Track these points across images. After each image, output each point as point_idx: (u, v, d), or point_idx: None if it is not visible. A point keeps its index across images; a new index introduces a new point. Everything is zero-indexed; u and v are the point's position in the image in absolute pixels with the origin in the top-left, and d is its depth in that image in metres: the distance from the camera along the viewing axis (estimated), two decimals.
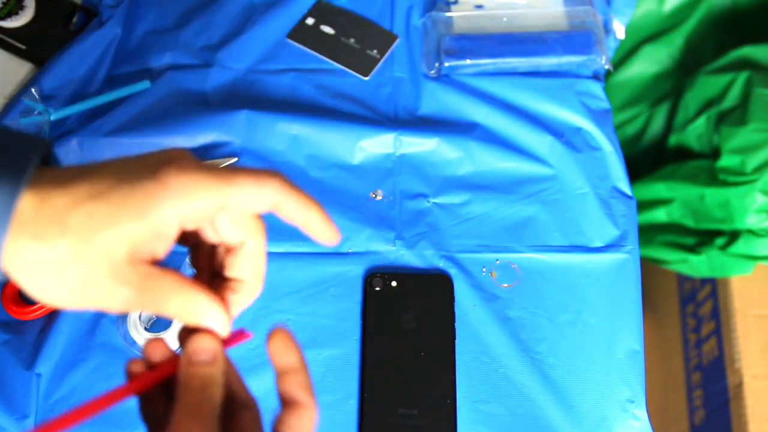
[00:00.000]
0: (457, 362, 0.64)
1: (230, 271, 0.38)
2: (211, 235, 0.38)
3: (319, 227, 0.38)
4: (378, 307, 0.66)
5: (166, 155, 0.36)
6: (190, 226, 0.36)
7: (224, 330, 0.36)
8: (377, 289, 0.66)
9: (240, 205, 0.36)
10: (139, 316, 0.63)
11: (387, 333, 0.64)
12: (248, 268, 0.38)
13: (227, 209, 0.36)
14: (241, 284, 0.38)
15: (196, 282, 0.36)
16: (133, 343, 0.62)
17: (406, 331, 0.61)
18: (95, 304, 0.35)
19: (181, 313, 0.36)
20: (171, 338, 0.62)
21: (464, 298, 0.67)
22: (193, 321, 0.36)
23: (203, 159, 0.73)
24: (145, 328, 0.63)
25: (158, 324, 0.64)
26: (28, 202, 0.33)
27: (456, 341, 0.65)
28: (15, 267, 0.34)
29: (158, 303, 0.35)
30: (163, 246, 0.35)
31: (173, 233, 0.35)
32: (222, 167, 0.36)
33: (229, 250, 0.38)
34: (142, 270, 0.35)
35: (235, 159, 0.73)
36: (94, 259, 0.34)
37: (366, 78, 0.79)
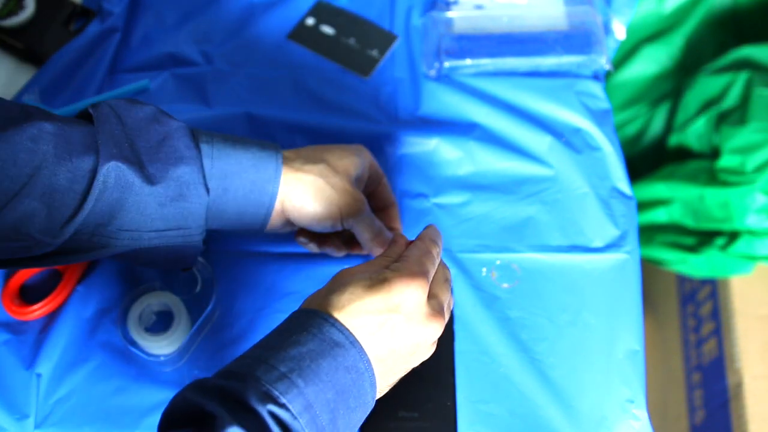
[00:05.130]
0: (456, 362, 0.64)
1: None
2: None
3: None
4: None
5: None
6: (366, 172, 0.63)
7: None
8: None
9: (369, 165, 0.64)
10: (139, 317, 0.63)
11: None
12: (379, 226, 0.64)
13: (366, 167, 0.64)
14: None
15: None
16: (134, 343, 0.62)
17: None
18: (335, 210, 0.59)
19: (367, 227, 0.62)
20: (170, 339, 0.62)
21: (464, 298, 0.67)
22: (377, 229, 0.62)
23: None
24: (145, 329, 0.63)
25: (158, 324, 0.64)
26: (287, 154, 0.60)
27: (455, 342, 0.65)
28: (287, 188, 0.58)
29: (362, 213, 0.60)
30: (364, 178, 0.63)
31: (368, 169, 0.63)
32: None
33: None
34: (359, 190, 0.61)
35: None
36: (339, 175, 0.59)
37: (366, 78, 0.79)
